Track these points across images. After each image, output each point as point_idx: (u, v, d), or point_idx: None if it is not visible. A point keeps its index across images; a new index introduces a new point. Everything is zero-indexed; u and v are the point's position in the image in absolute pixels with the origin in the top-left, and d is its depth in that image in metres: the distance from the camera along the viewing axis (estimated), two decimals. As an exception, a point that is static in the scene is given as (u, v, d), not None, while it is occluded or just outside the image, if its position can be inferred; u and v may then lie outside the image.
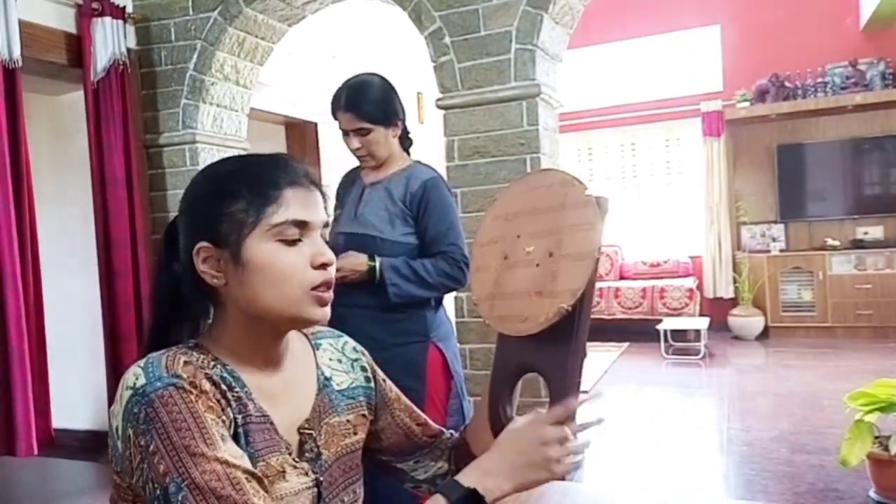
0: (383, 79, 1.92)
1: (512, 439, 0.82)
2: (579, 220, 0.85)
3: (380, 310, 1.82)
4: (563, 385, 0.87)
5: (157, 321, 0.85)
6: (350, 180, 2.01)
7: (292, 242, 0.80)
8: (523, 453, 0.80)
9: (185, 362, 0.75)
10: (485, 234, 0.97)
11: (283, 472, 0.80)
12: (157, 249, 3.48)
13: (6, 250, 2.74)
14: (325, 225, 0.84)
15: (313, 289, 0.80)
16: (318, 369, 0.92)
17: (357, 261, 1.81)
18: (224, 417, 0.75)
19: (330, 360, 0.95)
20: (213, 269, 0.80)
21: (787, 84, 6.01)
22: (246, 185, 0.80)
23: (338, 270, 1.60)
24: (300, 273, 0.80)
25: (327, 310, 0.83)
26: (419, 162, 1.96)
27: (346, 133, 1.89)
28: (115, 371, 3.25)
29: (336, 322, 0.97)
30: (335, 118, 1.89)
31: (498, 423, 0.90)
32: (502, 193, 0.97)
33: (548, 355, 0.86)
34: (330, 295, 0.83)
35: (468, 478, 0.78)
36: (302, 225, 0.80)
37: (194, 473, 0.68)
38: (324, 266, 0.81)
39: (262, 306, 0.79)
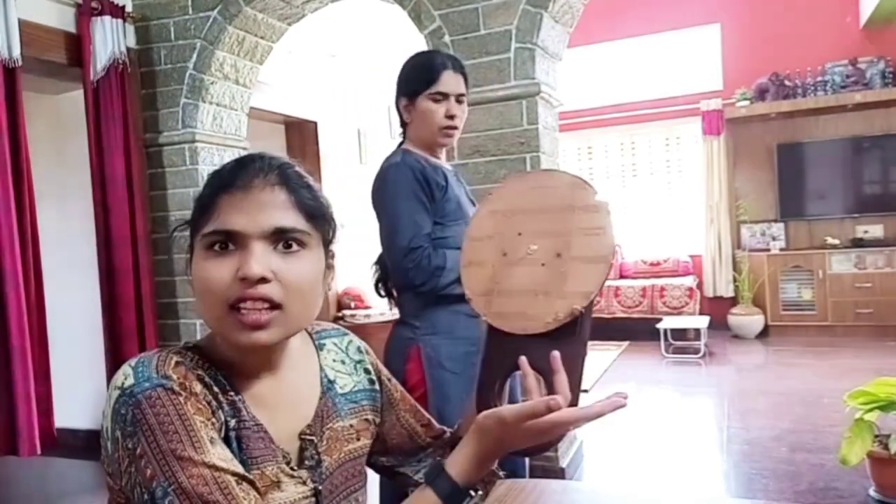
0: None
1: (507, 432, 0.78)
2: (590, 223, 0.86)
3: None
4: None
5: None
6: (435, 166, 1.78)
7: (222, 253, 0.73)
8: (519, 440, 0.79)
9: (177, 363, 0.73)
10: (479, 229, 0.96)
11: (278, 482, 0.78)
12: (158, 249, 3.52)
13: (7, 249, 2.74)
14: (281, 231, 0.74)
15: (231, 306, 0.72)
16: (321, 371, 0.89)
17: None
18: (214, 420, 0.73)
19: (334, 361, 0.92)
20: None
21: (787, 83, 6.01)
22: (199, 194, 0.78)
23: None
24: (221, 287, 0.72)
25: (255, 334, 0.73)
26: None
27: (444, 97, 1.74)
28: (115, 370, 3.25)
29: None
30: (435, 80, 1.73)
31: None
32: (499, 189, 0.97)
33: (547, 354, 0.85)
34: (252, 317, 0.72)
35: (454, 468, 0.79)
36: (230, 235, 0.72)
37: (181, 478, 0.67)
38: (245, 280, 0.71)
39: (205, 319, 0.76)
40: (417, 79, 1.76)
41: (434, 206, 1.72)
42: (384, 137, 5.99)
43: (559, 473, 2.76)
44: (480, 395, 0.91)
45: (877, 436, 2.49)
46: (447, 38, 2.91)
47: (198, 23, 3.42)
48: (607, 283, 6.39)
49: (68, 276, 3.68)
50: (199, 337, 0.84)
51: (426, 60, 1.78)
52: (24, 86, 2.91)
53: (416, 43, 3.10)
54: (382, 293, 1.83)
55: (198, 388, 0.73)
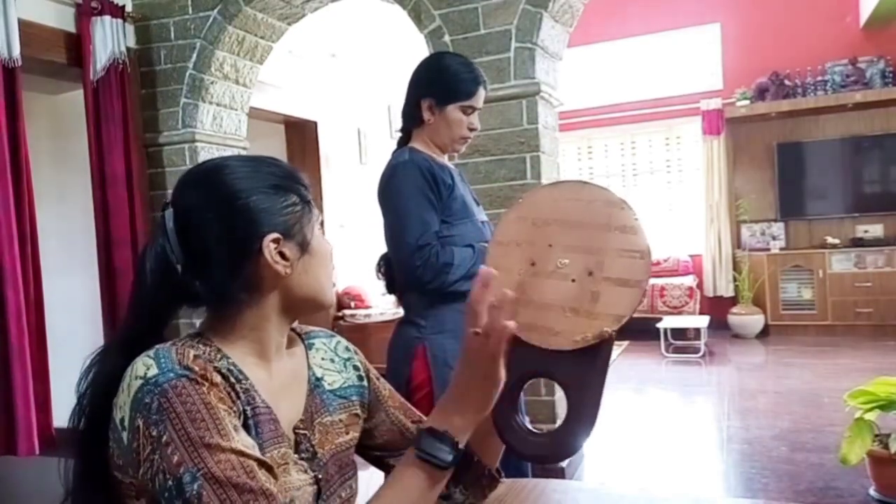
0: None
1: (456, 373, 0.83)
2: (627, 245, 0.85)
3: None
4: (584, 397, 0.86)
5: (150, 326, 0.81)
6: (441, 165, 1.77)
7: None
8: (465, 374, 0.81)
9: (195, 355, 0.76)
10: (506, 234, 0.94)
11: (287, 464, 0.81)
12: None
13: (6, 249, 2.74)
14: None
15: None
16: (309, 370, 0.93)
17: None
18: (235, 408, 0.76)
19: (322, 359, 0.96)
20: (283, 258, 0.83)
21: (787, 82, 6.01)
22: (292, 180, 0.87)
23: None
24: None
25: None
26: None
27: (472, 110, 1.76)
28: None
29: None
30: (473, 94, 1.75)
31: (505, 422, 0.88)
32: (530, 196, 0.95)
33: (571, 368, 0.86)
34: None
35: (431, 421, 0.81)
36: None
37: (210, 463, 0.69)
38: None
39: (319, 290, 0.87)
40: (454, 88, 1.74)
41: (441, 204, 1.71)
42: (384, 137, 5.98)
43: (559, 473, 2.76)
44: (498, 402, 0.89)
45: (877, 435, 2.49)
46: (447, 38, 2.91)
47: (198, 22, 3.42)
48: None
49: (68, 276, 3.67)
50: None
51: (467, 71, 1.76)
52: (24, 86, 2.91)
53: (416, 43, 3.10)
54: (390, 291, 1.82)
55: (217, 378, 0.75)
